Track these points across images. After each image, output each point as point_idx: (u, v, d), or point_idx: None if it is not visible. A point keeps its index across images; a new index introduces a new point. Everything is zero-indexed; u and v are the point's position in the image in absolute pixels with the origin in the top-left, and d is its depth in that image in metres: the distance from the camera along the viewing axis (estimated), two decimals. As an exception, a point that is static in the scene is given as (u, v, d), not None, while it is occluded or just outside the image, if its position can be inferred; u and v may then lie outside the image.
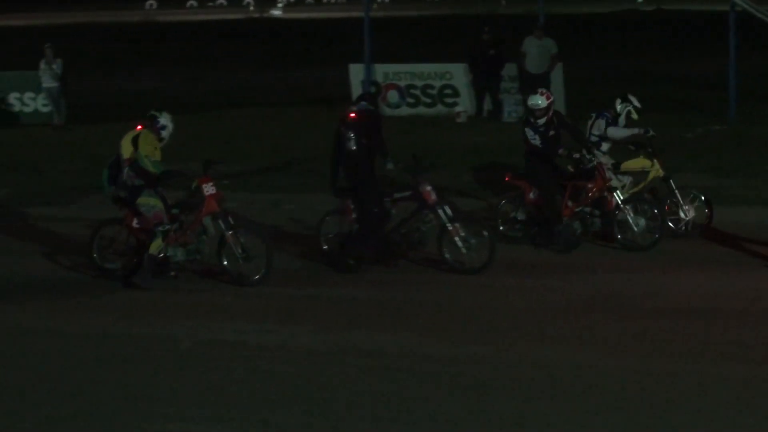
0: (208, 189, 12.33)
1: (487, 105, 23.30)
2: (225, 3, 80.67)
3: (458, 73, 23.89)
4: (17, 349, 10.51)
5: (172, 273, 12.48)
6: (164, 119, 12.49)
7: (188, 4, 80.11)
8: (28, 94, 24.96)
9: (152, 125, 12.42)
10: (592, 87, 26.46)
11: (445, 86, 24.11)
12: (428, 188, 12.70)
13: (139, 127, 12.47)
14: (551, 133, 13.39)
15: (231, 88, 30.41)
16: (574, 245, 13.36)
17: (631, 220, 13.36)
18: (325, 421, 8.62)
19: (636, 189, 14.00)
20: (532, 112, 13.52)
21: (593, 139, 14.14)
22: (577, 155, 13.43)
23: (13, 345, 10.65)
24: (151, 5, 76.38)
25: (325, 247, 13.12)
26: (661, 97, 25.13)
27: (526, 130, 13.51)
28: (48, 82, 24.04)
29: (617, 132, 14.15)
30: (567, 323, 10.81)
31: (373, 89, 23.89)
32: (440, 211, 12.66)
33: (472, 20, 42.00)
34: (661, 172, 13.96)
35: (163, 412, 8.86)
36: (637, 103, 14.23)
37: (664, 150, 14.49)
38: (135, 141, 12.25)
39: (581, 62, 29.10)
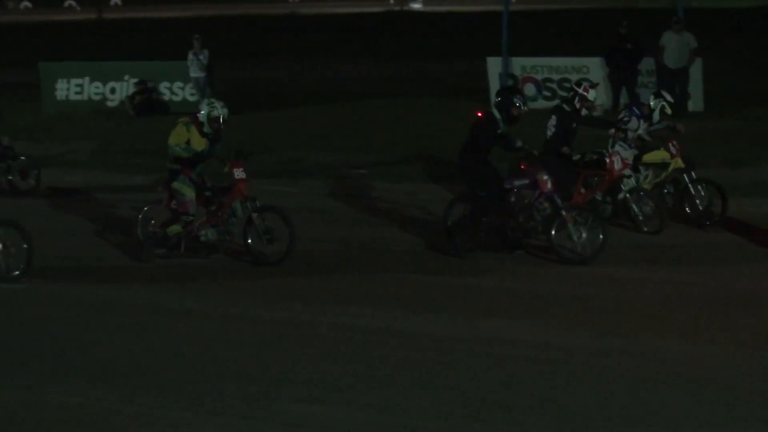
0: (239, 174, 13.02)
1: (624, 99, 23.34)
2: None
3: (595, 67, 23.91)
4: (157, 330, 10.79)
5: (204, 253, 13.14)
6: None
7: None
8: (177, 84, 25.63)
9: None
10: (732, 81, 26.24)
11: (581, 80, 24.05)
12: (545, 177, 12.96)
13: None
14: (574, 125, 13.95)
15: (371, 80, 30.76)
16: None
17: (635, 210, 13.99)
18: (457, 408, 8.74)
19: (658, 180, 14.68)
20: (584, 101, 14.12)
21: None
22: (577, 156, 14.03)
23: (153, 325, 10.93)
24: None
25: (449, 224, 13.44)
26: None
27: (552, 117, 14.06)
28: (195, 72, 24.77)
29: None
30: (690, 315, 10.88)
31: (510, 82, 24.30)
32: (555, 199, 12.95)
33: (610, 14, 41.83)
34: (681, 165, 14.48)
35: (299, 395, 9.05)
36: (670, 99, 15.06)
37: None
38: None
39: (721, 57, 28.79)
